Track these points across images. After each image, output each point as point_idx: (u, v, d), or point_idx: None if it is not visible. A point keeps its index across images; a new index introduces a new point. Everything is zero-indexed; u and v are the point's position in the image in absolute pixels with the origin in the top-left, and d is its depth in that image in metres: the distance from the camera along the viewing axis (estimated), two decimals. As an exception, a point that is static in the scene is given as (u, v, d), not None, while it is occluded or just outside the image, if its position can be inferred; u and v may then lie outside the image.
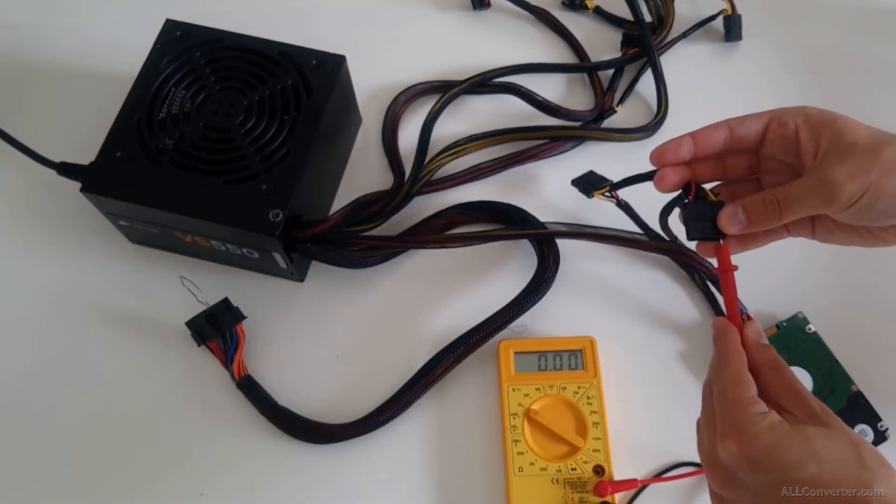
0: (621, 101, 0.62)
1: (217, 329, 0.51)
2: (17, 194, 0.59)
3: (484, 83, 0.61)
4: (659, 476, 0.49)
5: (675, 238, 0.53)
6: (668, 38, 0.64)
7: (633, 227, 0.55)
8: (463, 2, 0.67)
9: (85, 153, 0.51)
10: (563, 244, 0.55)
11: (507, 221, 0.57)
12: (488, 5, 0.67)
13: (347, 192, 0.58)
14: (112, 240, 0.56)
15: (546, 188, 0.59)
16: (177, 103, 0.52)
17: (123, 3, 0.67)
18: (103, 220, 0.54)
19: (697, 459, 0.49)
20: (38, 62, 0.64)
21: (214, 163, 0.50)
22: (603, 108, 0.61)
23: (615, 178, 0.53)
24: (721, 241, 0.43)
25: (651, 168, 0.47)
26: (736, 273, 0.42)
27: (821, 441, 0.34)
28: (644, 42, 0.62)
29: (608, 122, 0.62)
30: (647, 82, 0.63)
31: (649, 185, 0.51)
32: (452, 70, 0.63)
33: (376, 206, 0.55)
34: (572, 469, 0.48)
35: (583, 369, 0.51)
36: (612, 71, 0.64)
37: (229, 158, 0.50)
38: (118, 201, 0.50)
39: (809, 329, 0.53)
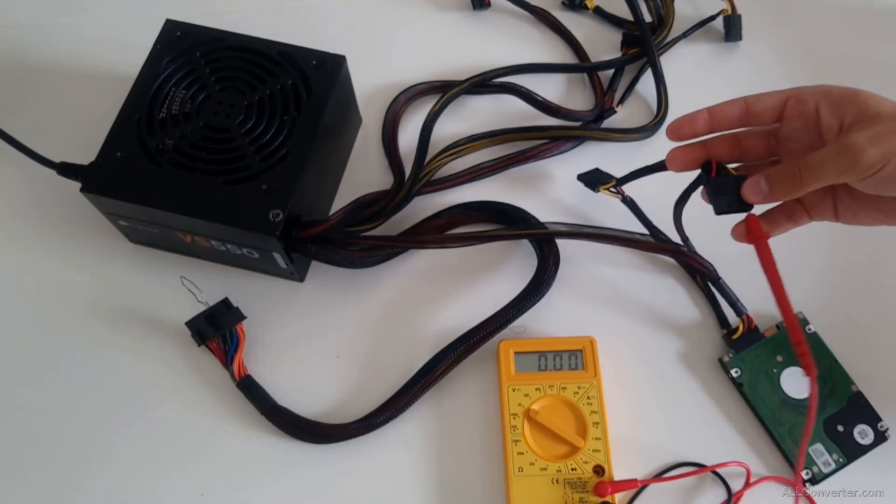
0: (621, 101, 0.62)
1: (217, 329, 0.51)
2: (18, 194, 0.59)
3: (484, 83, 0.61)
4: (659, 476, 0.49)
5: (686, 239, 0.53)
6: (668, 38, 0.64)
7: (636, 226, 0.55)
8: (463, 2, 0.67)
9: (85, 153, 0.51)
10: (563, 244, 0.55)
11: (507, 221, 0.57)
12: (488, 5, 0.67)
13: (347, 192, 0.58)
14: (112, 240, 0.56)
15: (546, 188, 0.59)
16: (177, 103, 0.52)
17: (123, 3, 0.67)
18: (103, 220, 0.54)
19: (698, 460, 0.50)
20: (38, 62, 0.64)
21: (214, 163, 0.50)
22: (603, 108, 0.61)
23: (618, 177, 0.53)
24: (748, 214, 0.43)
25: (660, 159, 0.47)
26: (736, 273, 0.43)
27: None
28: (644, 42, 0.62)
29: (608, 122, 0.62)
30: (647, 82, 0.63)
31: (654, 185, 0.51)
32: (452, 70, 0.63)
33: (376, 206, 0.55)
34: (572, 469, 0.48)
35: (583, 369, 0.51)
36: (612, 71, 0.64)
37: (229, 158, 0.50)
38: (118, 201, 0.50)
39: (809, 329, 0.53)
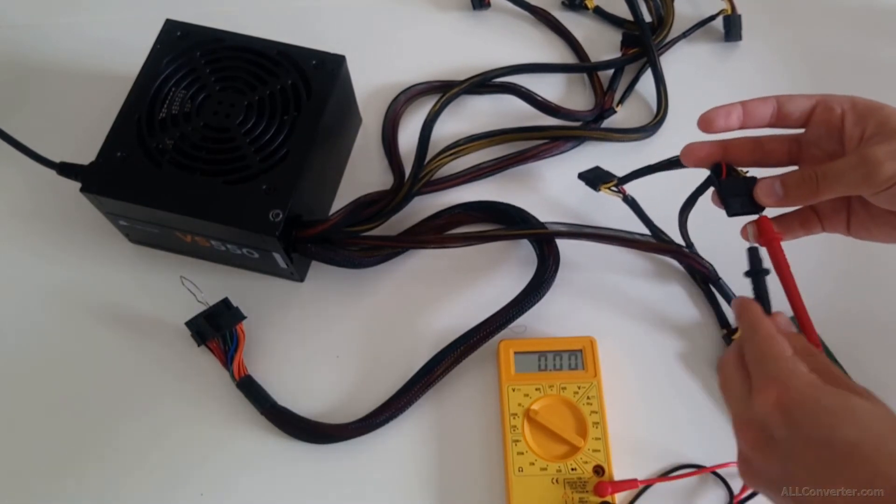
0: (621, 101, 0.62)
1: (217, 329, 0.51)
2: (18, 194, 0.59)
3: (484, 83, 0.61)
4: (659, 476, 0.49)
5: (691, 244, 0.53)
6: (668, 38, 0.64)
7: (635, 226, 0.55)
8: (463, 2, 0.67)
9: (85, 153, 0.51)
10: (563, 244, 0.55)
11: (507, 221, 0.57)
12: (488, 5, 0.67)
13: (347, 192, 0.58)
14: (112, 240, 0.56)
15: (546, 188, 0.59)
16: (177, 103, 0.52)
17: (123, 3, 0.67)
18: (103, 220, 0.54)
19: (698, 460, 0.50)
20: (38, 62, 0.64)
21: (214, 163, 0.50)
22: (603, 108, 0.61)
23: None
24: (760, 215, 0.42)
25: (660, 158, 0.46)
26: (736, 274, 0.42)
27: (862, 405, 0.33)
28: (644, 42, 0.62)
29: (608, 122, 0.62)
30: (647, 82, 0.63)
31: (654, 185, 0.51)
32: (452, 70, 0.63)
33: (376, 206, 0.55)
34: (572, 469, 0.48)
35: (583, 369, 0.51)
36: (612, 71, 0.64)
37: (229, 158, 0.50)
38: (118, 201, 0.50)
39: (809, 329, 0.53)
